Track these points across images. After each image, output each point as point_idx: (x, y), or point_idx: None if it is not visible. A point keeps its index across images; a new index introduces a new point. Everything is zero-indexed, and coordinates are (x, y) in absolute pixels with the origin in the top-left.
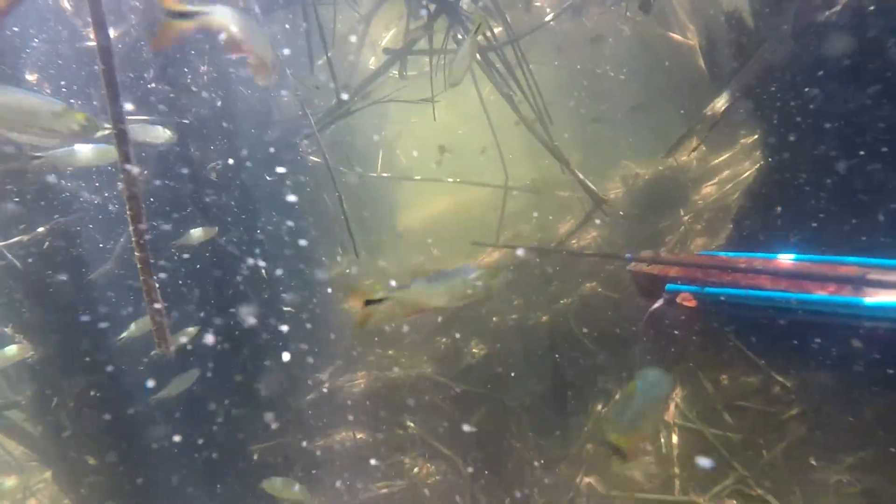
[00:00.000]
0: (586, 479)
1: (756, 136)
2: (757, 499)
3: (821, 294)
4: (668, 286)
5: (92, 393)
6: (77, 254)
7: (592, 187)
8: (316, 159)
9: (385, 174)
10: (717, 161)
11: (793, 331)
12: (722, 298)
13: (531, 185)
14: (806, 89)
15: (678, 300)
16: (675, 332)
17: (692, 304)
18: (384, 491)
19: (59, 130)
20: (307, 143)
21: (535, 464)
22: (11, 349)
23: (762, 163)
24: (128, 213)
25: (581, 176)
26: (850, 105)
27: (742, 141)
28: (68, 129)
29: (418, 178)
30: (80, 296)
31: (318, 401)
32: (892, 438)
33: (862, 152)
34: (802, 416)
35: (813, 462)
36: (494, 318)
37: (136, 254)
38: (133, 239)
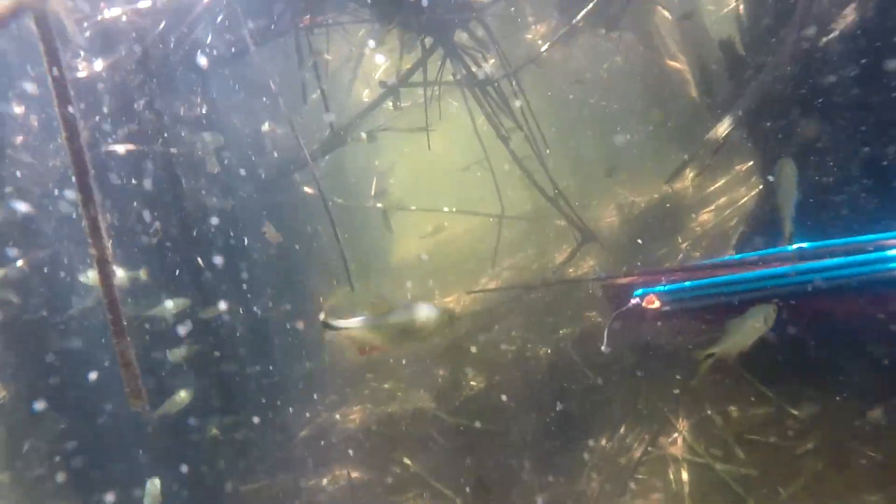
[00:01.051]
0: None
1: (750, 163)
2: None
3: (767, 269)
4: (635, 292)
5: (69, 436)
6: (52, 290)
7: (582, 223)
8: (310, 191)
9: (378, 204)
10: (713, 188)
11: (803, 358)
12: (681, 292)
13: (528, 213)
14: (804, 114)
15: (644, 303)
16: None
17: (657, 305)
18: None
19: None
20: (299, 175)
21: (539, 501)
22: None
23: (760, 188)
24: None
25: (571, 210)
26: (849, 129)
27: (737, 167)
28: None
29: (413, 208)
30: (55, 333)
31: (311, 438)
32: None
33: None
34: (819, 451)
35: (833, 499)
36: (493, 350)
37: (105, 307)
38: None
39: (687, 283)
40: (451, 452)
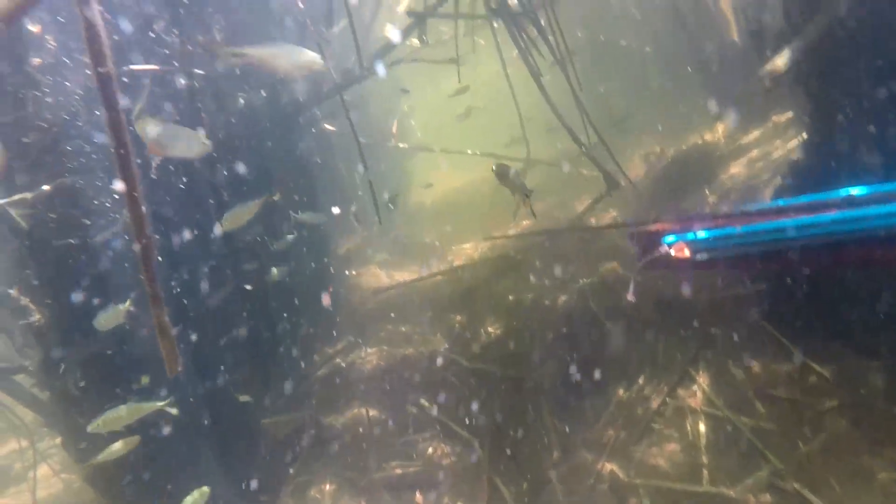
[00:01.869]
0: (608, 466)
1: (789, 114)
2: (792, 494)
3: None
4: (664, 239)
5: (99, 359)
6: (83, 215)
7: (608, 172)
8: (331, 128)
9: (402, 144)
10: (745, 139)
11: (830, 314)
12: (716, 240)
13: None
14: (861, 61)
15: (674, 252)
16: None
17: (685, 254)
18: (398, 471)
19: None
20: (319, 111)
21: (554, 447)
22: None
23: (803, 137)
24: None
25: (608, 154)
26: None
27: (774, 119)
28: None
29: (437, 149)
30: (86, 259)
31: (329, 376)
32: None
33: None
34: (843, 409)
35: (851, 458)
36: (511, 297)
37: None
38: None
39: (722, 231)
40: (467, 396)
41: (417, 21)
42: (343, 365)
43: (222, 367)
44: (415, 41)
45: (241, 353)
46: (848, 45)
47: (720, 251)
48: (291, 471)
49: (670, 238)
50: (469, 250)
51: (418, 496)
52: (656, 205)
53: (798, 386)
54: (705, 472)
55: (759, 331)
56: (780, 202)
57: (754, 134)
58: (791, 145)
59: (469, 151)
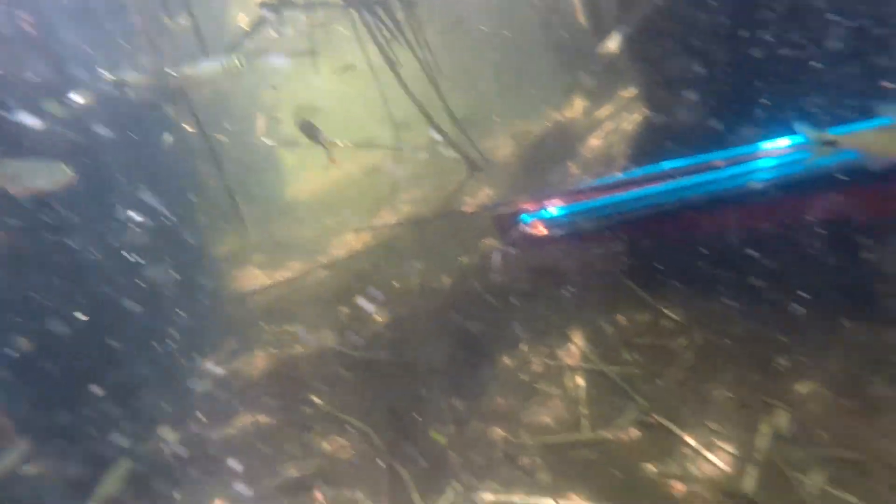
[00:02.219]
0: (500, 432)
1: (633, 90)
2: (655, 425)
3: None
4: (521, 217)
5: None
6: None
7: (470, 152)
8: (189, 128)
9: (268, 141)
10: (599, 114)
11: (677, 267)
12: (563, 215)
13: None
14: (680, 40)
15: (531, 229)
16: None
17: (542, 231)
18: (294, 472)
19: None
20: (175, 107)
21: (449, 423)
22: None
23: (644, 113)
24: None
25: (465, 139)
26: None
27: (620, 94)
28: None
29: (304, 144)
30: None
31: (212, 387)
32: (757, 352)
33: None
34: (690, 346)
35: (699, 385)
36: (396, 283)
37: None
38: None
39: (572, 207)
40: (359, 387)
41: (272, 10)
42: (228, 373)
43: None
44: (272, 32)
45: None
46: (666, 25)
47: (572, 226)
48: (177, 496)
49: (527, 217)
50: (351, 242)
51: (317, 494)
52: (527, 180)
53: (655, 331)
54: (585, 421)
55: (621, 287)
56: (617, 177)
57: (607, 109)
58: (635, 118)
59: (340, 143)
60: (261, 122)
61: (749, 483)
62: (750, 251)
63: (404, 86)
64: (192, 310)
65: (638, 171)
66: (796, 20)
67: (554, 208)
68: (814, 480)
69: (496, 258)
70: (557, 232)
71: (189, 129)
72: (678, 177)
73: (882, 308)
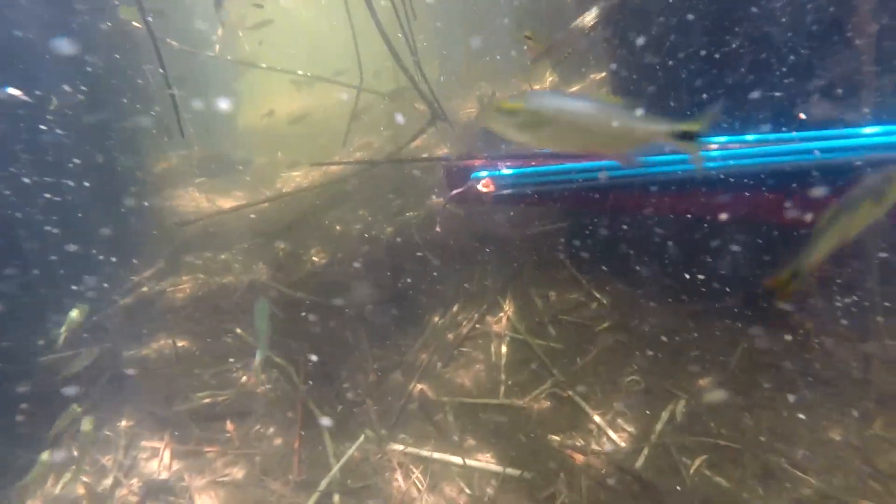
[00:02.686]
0: (419, 387)
1: (603, 74)
2: (567, 400)
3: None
4: (473, 174)
5: None
6: None
7: (437, 102)
8: (137, 24)
9: (227, 57)
10: (567, 90)
11: (611, 252)
12: (510, 176)
13: (388, 92)
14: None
15: (481, 186)
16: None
17: (490, 188)
18: (207, 401)
19: None
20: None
21: (370, 372)
22: None
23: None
24: None
25: (427, 88)
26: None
27: (592, 76)
28: None
29: (264, 65)
30: None
31: (134, 306)
32: (669, 342)
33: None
34: (611, 329)
35: (613, 368)
36: (338, 227)
37: None
38: None
39: (522, 170)
40: (285, 324)
41: None
42: (151, 294)
43: None
44: None
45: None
46: (643, 6)
47: (520, 188)
48: (79, 409)
49: (479, 174)
50: (299, 178)
51: (229, 425)
52: (486, 143)
53: (582, 311)
54: (502, 387)
55: (557, 264)
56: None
57: (575, 88)
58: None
59: (300, 72)
60: (220, 35)
61: (640, 461)
62: (678, 244)
63: (377, 21)
64: (120, 224)
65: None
66: (782, 18)
67: (505, 169)
68: (695, 464)
69: (442, 210)
70: (504, 193)
71: (136, 24)
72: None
73: (778, 314)
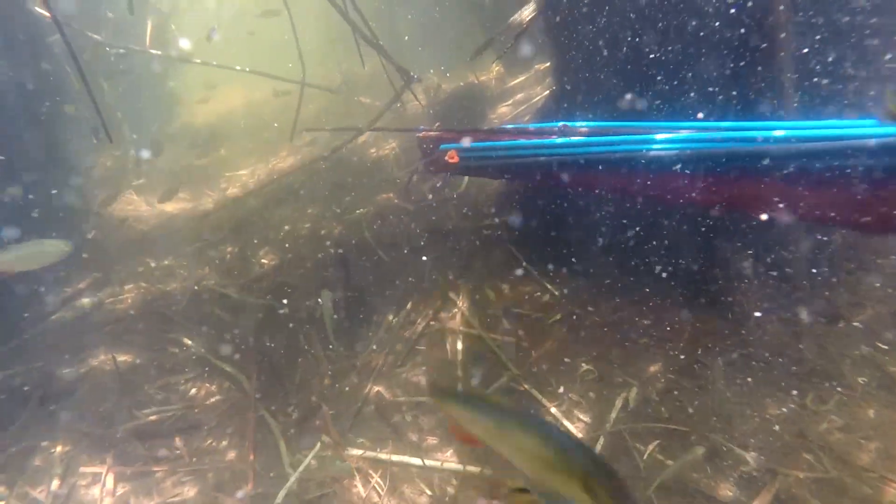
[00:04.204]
0: (375, 388)
1: (548, 64)
2: (524, 393)
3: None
4: (441, 146)
5: None
6: None
7: (400, 66)
8: (44, 13)
9: (156, 51)
10: (513, 83)
11: (561, 242)
12: (472, 150)
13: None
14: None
15: (446, 157)
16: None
17: (455, 159)
18: (152, 418)
19: None
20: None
21: (325, 375)
22: None
23: (553, 88)
24: None
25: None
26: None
27: (536, 67)
28: None
29: (198, 61)
30: None
31: (69, 320)
32: (620, 332)
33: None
34: (564, 320)
35: (567, 359)
36: (287, 227)
37: None
38: None
39: (484, 144)
40: (235, 331)
41: None
42: (87, 306)
43: None
44: None
45: None
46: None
47: (482, 160)
48: (5, 438)
49: (445, 145)
50: (245, 177)
51: (178, 441)
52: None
53: (535, 303)
54: (459, 384)
55: (509, 256)
56: (534, 125)
57: (520, 79)
58: (544, 91)
59: (238, 68)
60: (148, 32)
61: (596, 449)
62: (628, 234)
63: (344, 9)
64: (51, 230)
65: (552, 123)
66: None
67: (468, 142)
68: (648, 449)
69: (412, 178)
70: (468, 163)
71: (43, 13)
72: (587, 135)
73: (724, 301)
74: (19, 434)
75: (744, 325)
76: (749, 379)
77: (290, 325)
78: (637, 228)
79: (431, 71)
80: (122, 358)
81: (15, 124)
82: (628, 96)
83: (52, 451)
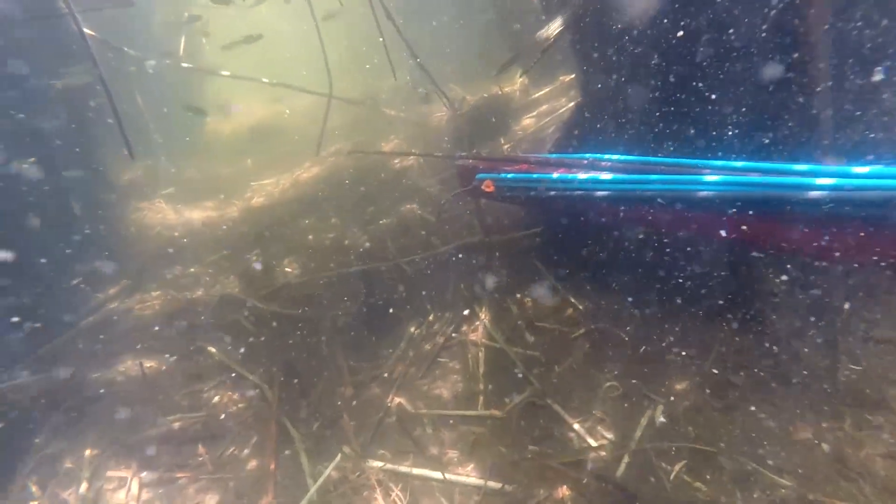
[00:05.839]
0: (397, 399)
1: (573, 76)
2: (547, 408)
3: (562, 174)
4: (478, 175)
5: None
6: None
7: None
8: (90, 32)
9: (188, 65)
10: (537, 94)
11: (588, 262)
12: (508, 180)
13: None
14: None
15: (482, 186)
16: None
17: (491, 188)
18: (177, 424)
19: None
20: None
21: (347, 386)
22: None
23: (578, 100)
24: None
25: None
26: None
27: (561, 79)
28: None
29: (226, 73)
30: None
31: (98, 325)
32: (646, 348)
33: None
34: (587, 335)
35: (590, 374)
36: (310, 237)
37: None
38: None
39: (522, 175)
40: (259, 340)
41: None
42: (117, 312)
43: None
44: None
45: None
46: (603, 18)
47: (519, 192)
48: (37, 441)
49: (483, 175)
50: (270, 186)
51: (201, 448)
52: (456, 147)
53: (558, 318)
54: (481, 397)
55: (533, 270)
56: (567, 155)
57: (545, 90)
58: (570, 103)
59: (265, 80)
60: (183, 44)
61: (621, 469)
62: (654, 254)
63: (396, 28)
64: (82, 238)
65: (587, 155)
66: (755, 32)
67: (508, 173)
68: (674, 469)
69: (449, 199)
70: (504, 195)
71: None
72: (626, 171)
73: (754, 321)
74: (51, 437)
75: (777, 344)
76: (782, 400)
77: (313, 334)
78: (665, 245)
79: (453, 86)
80: (148, 364)
81: (62, 138)
82: (658, 115)
83: (82, 454)
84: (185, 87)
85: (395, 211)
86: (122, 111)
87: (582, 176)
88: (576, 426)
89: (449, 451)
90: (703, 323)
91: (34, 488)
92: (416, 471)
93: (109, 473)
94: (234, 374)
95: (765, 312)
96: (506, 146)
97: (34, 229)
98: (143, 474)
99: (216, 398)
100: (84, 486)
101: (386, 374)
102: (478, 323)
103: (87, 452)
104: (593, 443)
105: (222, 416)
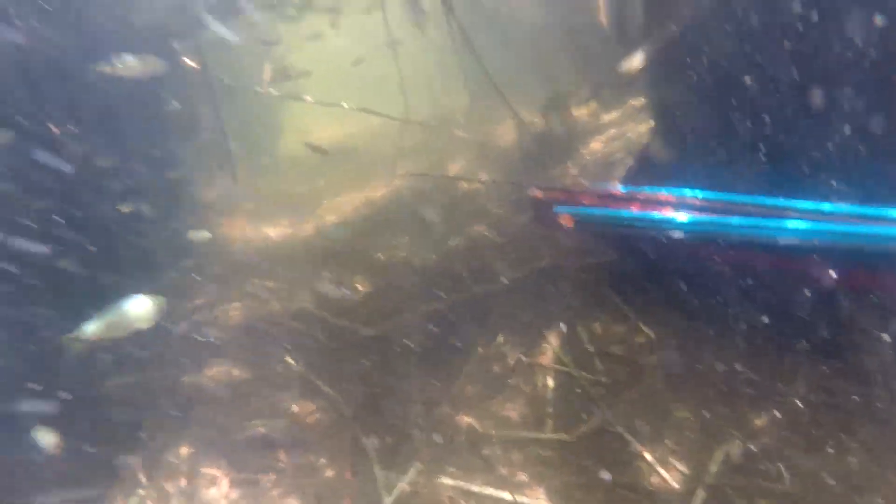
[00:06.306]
0: (466, 419)
1: (643, 101)
2: (615, 435)
3: (642, 212)
4: (556, 209)
5: None
6: None
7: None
8: (191, 63)
9: (273, 91)
10: (606, 119)
11: (658, 286)
12: (586, 216)
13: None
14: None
15: (561, 220)
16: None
17: (570, 222)
18: (261, 430)
19: None
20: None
21: (417, 403)
22: None
23: (651, 126)
24: None
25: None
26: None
27: (631, 102)
28: None
29: (309, 98)
30: None
31: (188, 334)
32: (721, 380)
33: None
34: (659, 364)
35: (662, 404)
36: (381, 255)
37: None
38: None
39: (603, 211)
40: (333, 353)
41: None
42: (203, 321)
43: None
44: None
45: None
46: (688, 52)
47: (599, 228)
48: (143, 436)
49: (561, 208)
50: (342, 206)
51: (282, 454)
52: (524, 171)
53: (629, 344)
54: (550, 421)
55: (603, 296)
56: (651, 189)
57: (613, 114)
58: (642, 129)
59: (345, 105)
60: (267, 72)
61: (695, 502)
62: (734, 285)
63: (474, 53)
64: (171, 252)
65: (666, 190)
66: (851, 71)
67: (588, 205)
68: None
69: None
70: (583, 229)
71: (190, 63)
72: (709, 211)
73: (840, 358)
74: (153, 433)
75: (871, 382)
76: (875, 440)
77: (385, 351)
78: (746, 276)
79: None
80: (233, 371)
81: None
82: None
83: (180, 450)
84: (264, 108)
85: (463, 232)
86: (209, 131)
87: (659, 214)
88: (647, 455)
89: (518, 472)
90: (788, 356)
91: (143, 479)
92: (487, 490)
93: (203, 470)
94: (310, 386)
95: (857, 346)
96: (573, 170)
97: (137, 244)
98: (233, 474)
99: (295, 407)
100: (183, 481)
101: (455, 393)
102: (547, 346)
103: (184, 450)
104: (665, 474)
105: (300, 425)
